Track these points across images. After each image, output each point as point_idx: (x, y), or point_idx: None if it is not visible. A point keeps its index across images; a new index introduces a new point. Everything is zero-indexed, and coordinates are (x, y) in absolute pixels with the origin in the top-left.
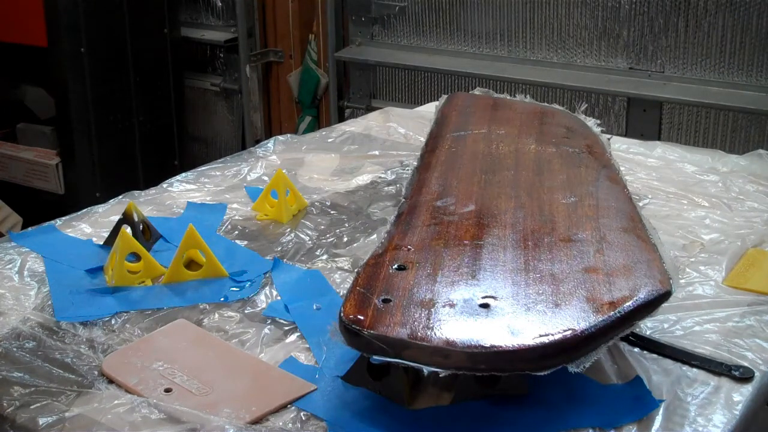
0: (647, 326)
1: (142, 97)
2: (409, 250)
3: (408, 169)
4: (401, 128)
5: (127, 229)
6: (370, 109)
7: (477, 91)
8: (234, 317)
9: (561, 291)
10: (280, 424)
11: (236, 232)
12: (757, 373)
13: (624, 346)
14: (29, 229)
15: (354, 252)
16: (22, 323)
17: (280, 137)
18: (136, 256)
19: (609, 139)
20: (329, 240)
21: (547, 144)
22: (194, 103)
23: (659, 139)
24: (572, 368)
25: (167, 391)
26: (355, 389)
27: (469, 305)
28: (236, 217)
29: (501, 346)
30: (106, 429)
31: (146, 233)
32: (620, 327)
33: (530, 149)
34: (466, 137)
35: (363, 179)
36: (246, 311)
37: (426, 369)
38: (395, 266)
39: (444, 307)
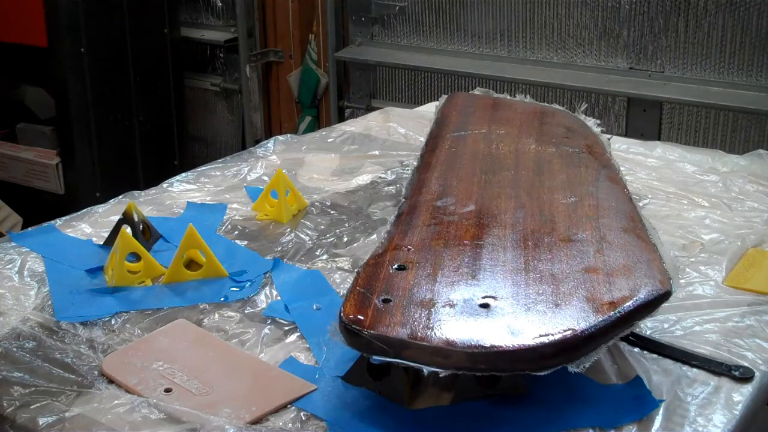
0: (647, 326)
1: (142, 97)
2: (409, 250)
3: (408, 169)
4: (401, 128)
5: (127, 229)
6: (370, 109)
7: (477, 91)
8: (234, 317)
9: (561, 291)
10: (280, 424)
11: (236, 232)
12: (757, 373)
13: (624, 346)
14: (29, 229)
15: (354, 252)
16: (22, 323)
17: (280, 137)
18: (136, 256)
19: (609, 139)
20: (329, 240)
21: (547, 144)
22: (194, 103)
23: (659, 139)
24: (572, 368)
25: (167, 391)
26: (355, 389)
27: (469, 305)
28: (236, 217)
29: (501, 346)
30: (106, 429)
31: (146, 233)
32: (620, 327)
33: (530, 149)
34: (466, 137)
35: (363, 179)
36: (246, 311)
37: (426, 369)
38: (395, 266)
39: (444, 307)
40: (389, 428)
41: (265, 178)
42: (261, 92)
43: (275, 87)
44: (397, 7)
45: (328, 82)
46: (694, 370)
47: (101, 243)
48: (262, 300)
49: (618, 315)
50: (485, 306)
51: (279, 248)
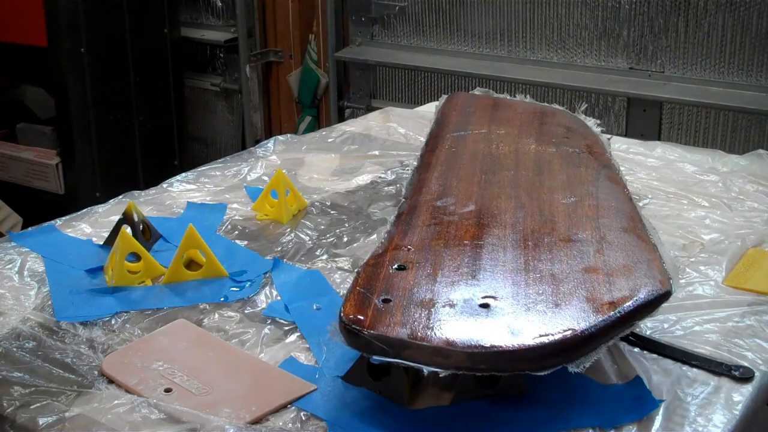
0: (647, 326)
1: (142, 97)
2: (409, 250)
3: (408, 169)
4: (401, 128)
5: (127, 229)
6: (370, 109)
7: (477, 91)
8: (234, 317)
9: (561, 291)
10: (280, 424)
11: (236, 232)
12: (757, 373)
13: (624, 346)
14: (29, 229)
15: (354, 252)
16: (22, 323)
17: (280, 137)
18: (136, 256)
19: (609, 139)
20: (329, 240)
21: (547, 144)
22: (194, 103)
23: (659, 139)
24: (572, 368)
25: (167, 391)
26: (355, 389)
27: (469, 305)
28: (236, 217)
29: (501, 346)
30: (106, 429)
31: (146, 233)
32: (620, 327)
33: (530, 149)
34: (466, 137)
35: (363, 179)
36: (246, 311)
37: (426, 369)
38: (395, 266)
39: (444, 307)
40: (389, 428)
41: (265, 178)
42: (261, 92)
43: (275, 87)
44: (397, 7)
45: (328, 82)
46: (694, 370)
47: (101, 243)
48: (262, 300)
49: (618, 315)
50: (485, 306)
51: (279, 248)
